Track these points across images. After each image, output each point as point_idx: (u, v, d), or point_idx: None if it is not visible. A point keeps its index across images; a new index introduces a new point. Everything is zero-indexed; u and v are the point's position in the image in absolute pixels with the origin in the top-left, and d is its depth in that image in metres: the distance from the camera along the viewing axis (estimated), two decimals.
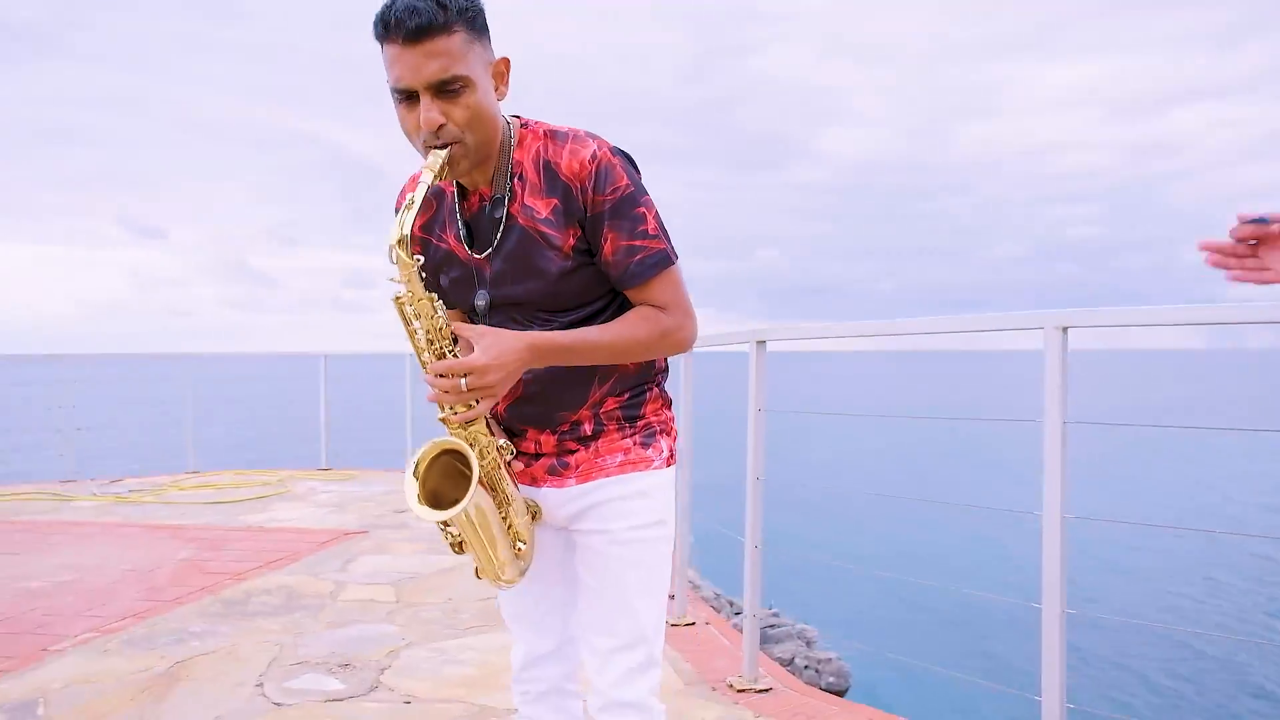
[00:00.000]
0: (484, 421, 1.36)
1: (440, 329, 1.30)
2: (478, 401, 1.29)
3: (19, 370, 9.68)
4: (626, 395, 1.47)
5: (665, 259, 1.40)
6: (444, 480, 1.34)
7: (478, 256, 1.42)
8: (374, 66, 1.37)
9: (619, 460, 1.46)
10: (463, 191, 1.45)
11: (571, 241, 1.38)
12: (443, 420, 1.32)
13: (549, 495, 1.48)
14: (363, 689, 2.99)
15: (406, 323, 1.30)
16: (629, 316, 1.41)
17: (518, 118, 1.43)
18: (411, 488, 1.31)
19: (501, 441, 1.40)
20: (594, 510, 1.46)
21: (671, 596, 3.90)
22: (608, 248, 1.38)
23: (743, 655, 3.03)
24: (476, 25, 1.31)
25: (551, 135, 1.40)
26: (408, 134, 1.35)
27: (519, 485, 1.46)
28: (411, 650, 3.38)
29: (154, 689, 2.98)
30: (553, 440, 1.47)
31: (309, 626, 3.68)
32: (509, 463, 1.42)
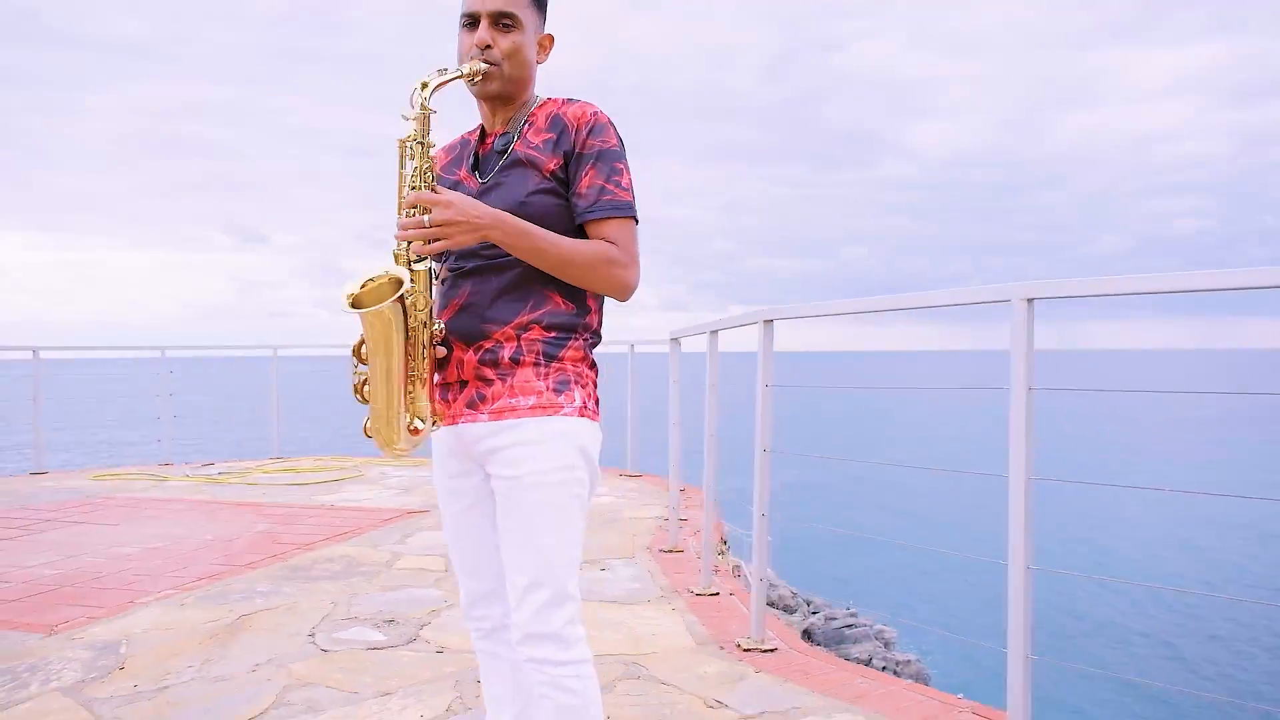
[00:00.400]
0: (428, 294, 1.56)
1: (427, 179, 1.53)
2: (443, 240, 1.49)
3: (130, 367, 10.43)
4: (553, 333, 1.60)
5: (629, 208, 1.60)
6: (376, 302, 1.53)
7: (478, 180, 1.67)
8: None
9: (531, 403, 1.58)
10: (483, 136, 1.72)
11: (553, 166, 1.60)
12: (396, 256, 1.54)
13: (466, 430, 1.63)
14: (402, 641, 3.27)
15: (401, 164, 1.54)
16: (584, 240, 1.59)
17: (587, 102, 1.67)
18: (348, 288, 1.51)
19: (438, 325, 1.60)
20: (505, 452, 1.58)
21: (675, 551, 4.08)
22: (584, 181, 1.59)
23: (747, 618, 3.19)
24: (539, 2, 1.67)
25: (567, 100, 1.68)
26: (460, 55, 1.64)
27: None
28: (452, 610, 3.65)
29: (220, 636, 3.32)
30: (473, 361, 1.60)
31: (363, 589, 4.00)
32: (433, 344, 1.58)
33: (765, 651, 3.08)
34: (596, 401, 1.70)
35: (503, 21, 1.59)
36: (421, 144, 1.54)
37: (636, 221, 1.63)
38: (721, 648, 3.15)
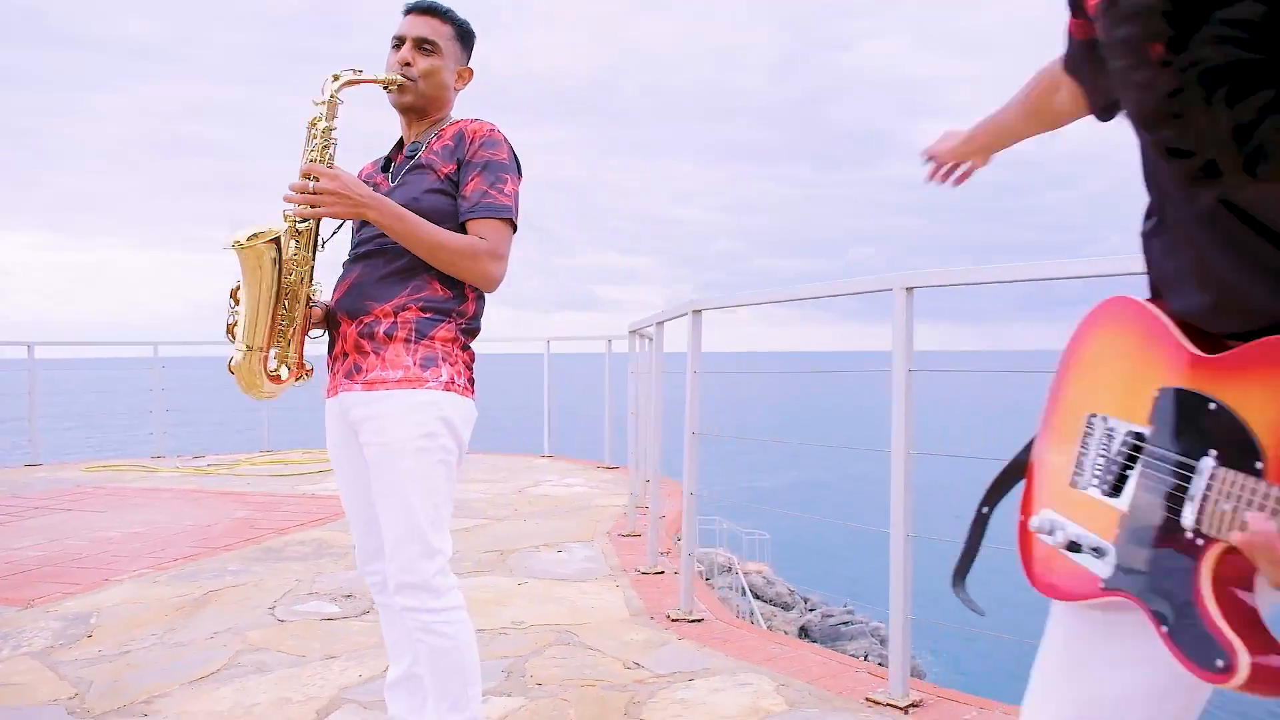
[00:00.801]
0: (309, 255, 1.79)
1: (324, 157, 1.76)
2: (319, 207, 1.72)
3: (128, 366, 10.67)
4: (428, 314, 1.80)
5: (506, 211, 1.81)
6: None
7: (382, 180, 1.91)
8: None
9: (399, 376, 1.77)
10: (399, 146, 1.96)
11: (447, 170, 1.82)
12: (284, 216, 1.77)
13: (345, 399, 1.83)
14: (355, 613, 3.47)
15: (307, 140, 1.76)
16: (458, 233, 1.80)
17: (487, 122, 1.90)
18: (235, 234, 1.73)
19: (317, 300, 1.84)
20: (375, 421, 1.77)
21: (633, 535, 4.28)
22: (470, 185, 1.81)
23: (680, 592, 3.39)
24: (462, 37, 1.92)
25: (475, 120, 1.90)
26: (387, 70, 1.87)
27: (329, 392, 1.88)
28: None
29: (186, 609, 3.53)
30: (354, 335, 1.81)
31: (328, 569, 4.20)
32: (309, 308, 1.82)
33: (692, 622, 3.27)
34: (470, 380, 1.88)
35: (424, 45, 1.84)
36: (327, 127, 1.76)
37: (514, 228, 1.83)
38: (652, 618, 3.35)
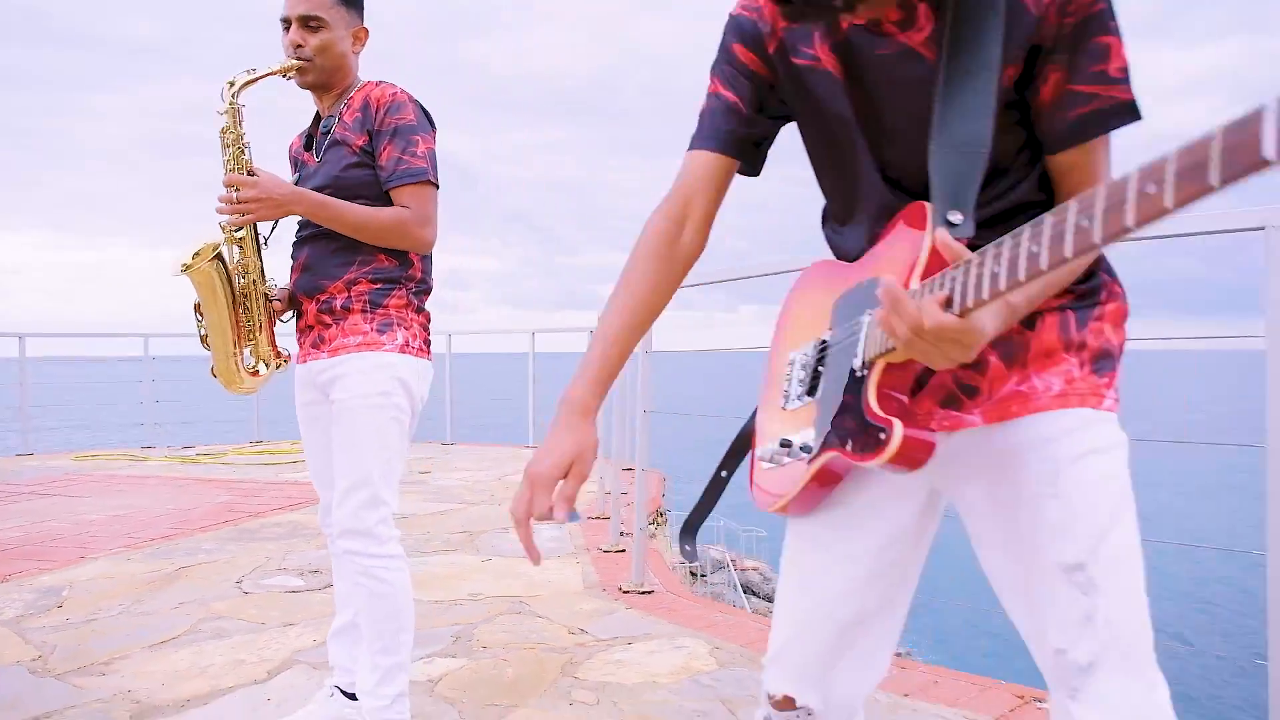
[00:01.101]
0: (256, 257, 1.93)
1: (241, 164, 1.87)
2: (247, 215, 1.85)
3: (118, 366, 10.78)
4: (378, 285, 1.93)
5: (423, 174, 1.90)
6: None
7: (308, 158, 2.01)
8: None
9: (358, 341, 1.92)
10: (317, 120, 2.04)
11: (360, 143, 1.92)
12: (221, 227, 1.89)
13: (312, 366, 1.97)
14: (318, 586, 3.58)
15: (222, 150, 1.88)
16: (380, 207, 1.90)
17: (375, 80, 1.99)
18: (179, 258, 1.87)
19: (274, 294, 1.97)
20: (338, 381, 1.92)
21: (602, 518, 4.39)
22: (384, 155, 1.91)
23: (631, 565, 3.50)
24: (346, 1, 1.94)
25: (378, 83, 1.98)
26: (285, 53, 1.95)
27: (300, 359, 2.01)
28: None
29: (156, 583, 3.64)
30: (314, 310, 1.95)
31: (299, 547, 4.31)
32: (269, 303, 1.96)
33: (643, 593, 3.38)
34: (426, 342, 2.02)
35: (310, 22, 1.90)
36: (236, 134, 1.87)
37: (435, 185, 1.93)
38: (605, 590, 3.45)
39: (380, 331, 1.93)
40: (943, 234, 0.82)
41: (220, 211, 1.86)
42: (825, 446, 0.95)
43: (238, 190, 1.83)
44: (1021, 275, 0.69)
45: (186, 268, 1.87)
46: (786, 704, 1.12)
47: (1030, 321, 0.98)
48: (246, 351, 1.98)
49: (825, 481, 1.00)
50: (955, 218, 0.90)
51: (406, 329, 1.96)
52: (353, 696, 2.09)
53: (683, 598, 3.39)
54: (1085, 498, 0.93)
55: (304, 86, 1.96)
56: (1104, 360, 0.99)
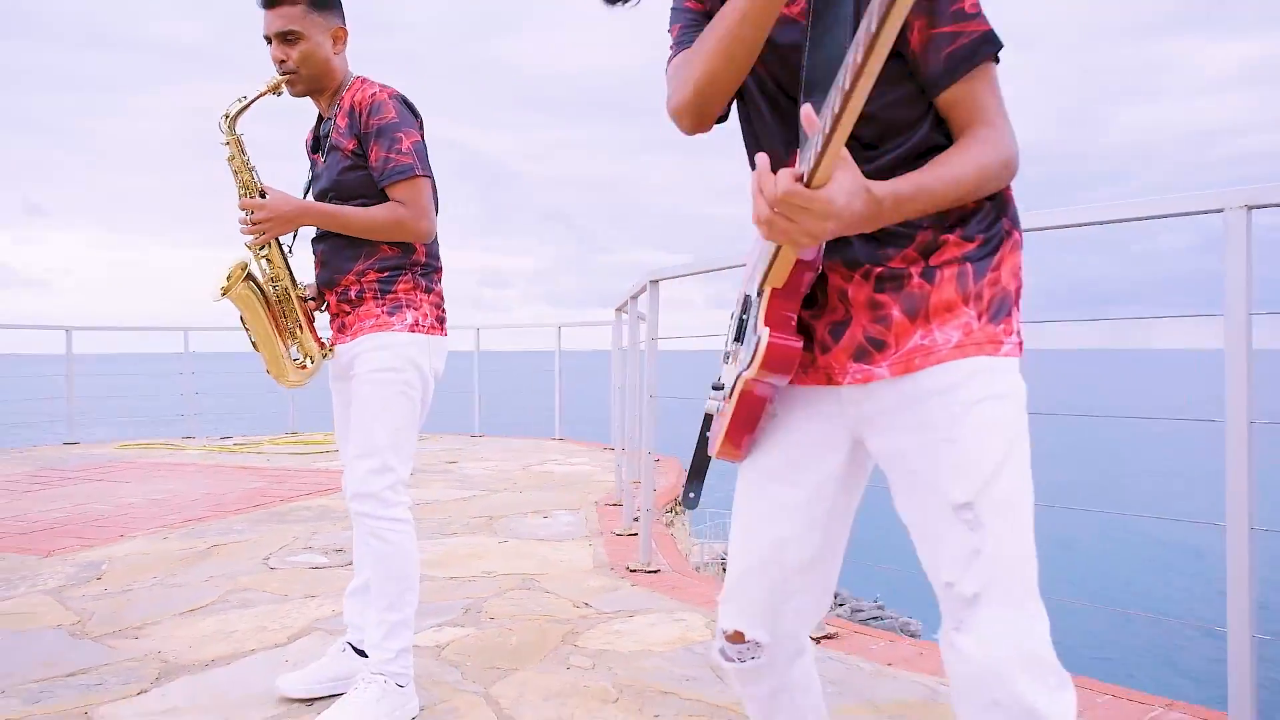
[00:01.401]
0: (285, 268, 2.11)
1: (250, 188, 2.06)
2: (263, 234, 2.04)
3: (159, 360, 11.14)
4: (385, 273, 2.09)
5: (410, 170, 2.04)
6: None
7: (316, 159, 2.18)
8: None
9: (371, 324, 2.08)
10: (320, 120, 2.19)
11: (351, 147, 2.07)
12: (247, 246, 2.08)
13: (340, 349, 2.16)
14: (341, 563, 3.74)
15: (234, 177, 2.06)
16: (379, 206, 2.05)
17: (362, 77, 2.13)
18: (217, 284, 2.06)
19: (307, 294, 2.15)
20: (356, 359, 2.10)
21: (618, 505, 4.51)
22: (373, 156, 2.05)
23: (640, 547, 3.61)
24: (315, 4, 2.06)
25: (364, 82, 2.12)
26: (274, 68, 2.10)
27: (325, 341, 2.17)
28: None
29: (188, 559, 3.83)
30: (335, 301, 2.14)
31: (326, 529, 4.49)
32: (305, 303, 2.14)
33: (649, 572, 3.49)
34: (439, 319, 2.17)
35: (288, 37, 2.03)
36: (241, 161, 2.05)
37: (428, 177, 2.06)
38: (613, 569, 3.57)
39: (390, 314, 2.09)
40: (806, 108, 0.87)
41: (242, 234, 2.06)
42: (737, 376, 1.08)
43: (251, 214, 2.02)
44: (836, 108, 0.77)
45: (225, 291, 2.07)
46: (737, 638, 1.23)
47: (931, 275, 1.06)
48: (293, 349, 2.17)
49: (748, 413, 1.11)
50: None
51: (416, 309, 2.11)
52: (363, 654, 2.23)
53: (687, 576, 3.50)
54: (978, 441, 1.02)
55: (296, 95, 2.10)
56: (1000, 308, 1.07)
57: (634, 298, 4.35)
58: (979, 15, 1.02)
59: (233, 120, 2.05)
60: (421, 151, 2.07)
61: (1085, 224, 1.99)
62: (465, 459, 7.41)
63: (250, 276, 2.09)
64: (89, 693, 2.31)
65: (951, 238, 1.08)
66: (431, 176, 2.08)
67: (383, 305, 2.09)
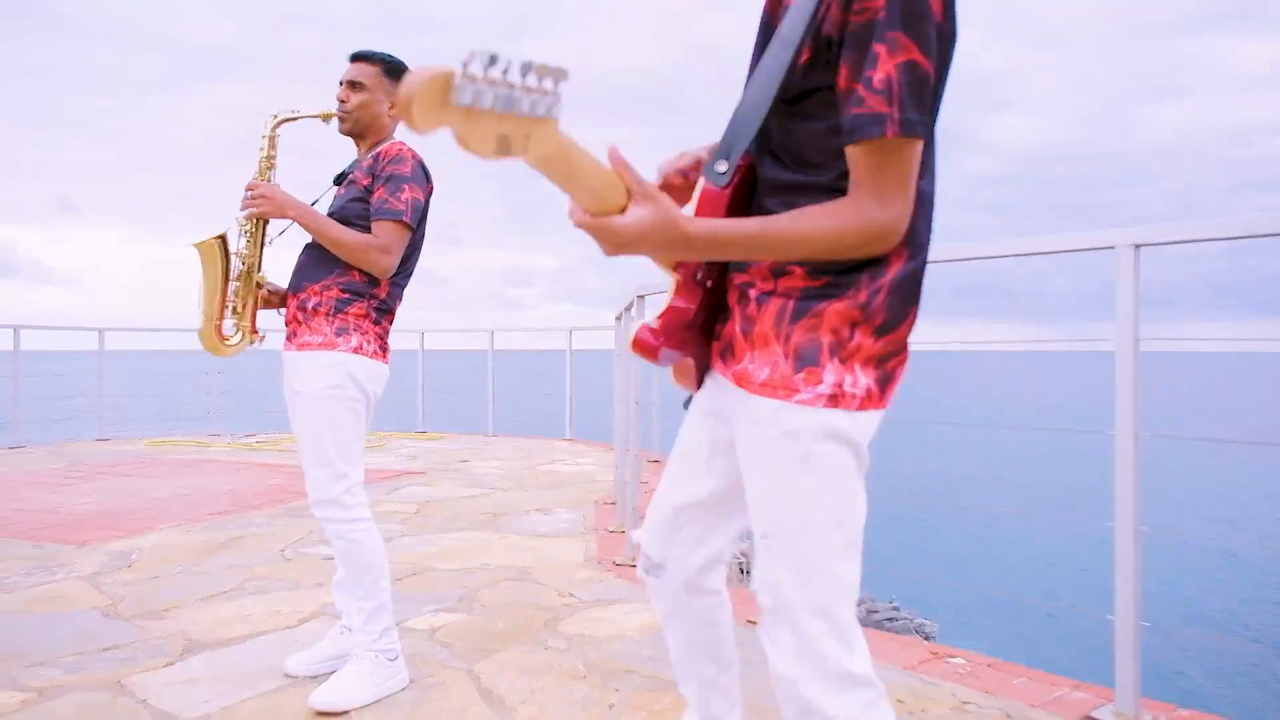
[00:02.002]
0: (256, 249, 2.37)
1: (264, 175, 2.36)
2: (254, 207, 2.31)
3: (187, 359, 11.57)
4: (346, 295, 2.31)
5: (397, 214, 2.30)
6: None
7: (338, 190, 2.45)
8: None
9: (319, 340, 2.29)
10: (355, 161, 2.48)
11: (365, 183, 2.35)
12: (237, 220, 2.36)
13: (286, 356, 2.36)
14: None
15: (258, 164, 2.35)
16: (355, 230, 2.31)
17: (404, 142, 2.41)
18: (198, 239, 2.33)
19: (267, 285, 2.40)
20: (299, 374, 2.30)
21: (613, 502, 4.77)
22: (376, 194, 2.32)
23: (627, 542, 3.87)
24: (390, 72, 2.38)
25: (402, 144, 2.40)
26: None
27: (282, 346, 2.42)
28: (406, 538, 4.42)
29: (209, 549, 4.15)
30: (294, 305, 2.36)
31: None
32: (259, 289, 2.39)
33: (633, 566, 3.75)
34: (382, 348, 2.37)
35: (355, 84, 2.34)
36: (268, 155, 2.33)
37: (411, 229, 2.32)
38: (600, 564, 3.84)
39: (338, 334, 2.29)
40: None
41: (240, 207, 2.34)
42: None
43: (252, 191, 2.31)
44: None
45: (195, 244, 2.34)
46: (645, 555, 1.46)
47: (762, 302, 1.13)
48: (231, 322, 2.39)
49: (645, 351, 1.23)
50: (720, 167, 1.08)
51: (362, 334, 2.32)
52: None
53: None
54: (769, 480, 1.13)
55: (342, 133, 2.39)
56: (806, 355, 1.09)
57: (627, 308, 4.60)
58: (883, 93, 0.98)
59: (280, 123, 2.35)
60: (417, 208, 2.33)
61: (977, 258, 2.22)
62: (477, 458, 7.70)
63: (224, 240, 2.35)
64: (121, 665, 2.61)
65: (799, 269, 1.10)
66: (415, 232, 2.35)
67: (332, 324, 2.29)
